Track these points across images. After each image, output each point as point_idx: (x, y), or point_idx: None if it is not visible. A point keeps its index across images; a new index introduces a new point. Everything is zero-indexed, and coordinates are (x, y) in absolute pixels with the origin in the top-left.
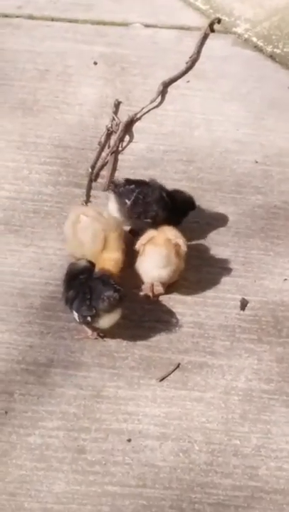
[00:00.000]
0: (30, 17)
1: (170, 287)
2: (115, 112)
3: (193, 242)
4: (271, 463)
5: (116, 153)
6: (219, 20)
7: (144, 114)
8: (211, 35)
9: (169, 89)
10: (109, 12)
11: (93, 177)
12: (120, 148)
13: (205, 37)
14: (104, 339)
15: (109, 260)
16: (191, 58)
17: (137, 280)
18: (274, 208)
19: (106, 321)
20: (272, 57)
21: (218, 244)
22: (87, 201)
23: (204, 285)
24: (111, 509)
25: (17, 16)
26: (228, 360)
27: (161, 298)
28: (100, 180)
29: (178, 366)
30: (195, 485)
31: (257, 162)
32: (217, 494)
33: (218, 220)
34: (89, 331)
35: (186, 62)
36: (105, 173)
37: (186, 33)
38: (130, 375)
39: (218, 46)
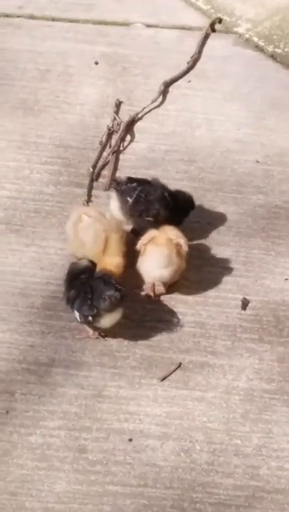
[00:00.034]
0: (31, 17)
1: (171, 287)
2: (116, 112)
3: (195, 242)
4: (272, 462)
5: (117, 152)
6: (220, 20)
7: (146, 113)
8: (212, 35)
9: (170, 89)
10: (110, 12)
11: (94, 177)
12: (121, 148)
13: (206, 37)
14: (106, 339)
15: (111, 265)
16: (192, 58)
17: (138, 280)
18: (275, 207)
19: (107, 320)
20: (273, 57)
21: (219, 243)
22: (89, 201)
23: (205, 285)
24: (112, 509)
25: (18, 16)
26: (230, 360)
27: (162, 297)
28: (101, 180)
29: (179, 366)
30: (196, 484)
31: (258, 162)
32: (218, 494)
33: (220, 220)
34: (90, 331)
35: (188, 62)
36: (106, 172)
37: (188, 32)
38: (131, 375)
39: (220, 46)
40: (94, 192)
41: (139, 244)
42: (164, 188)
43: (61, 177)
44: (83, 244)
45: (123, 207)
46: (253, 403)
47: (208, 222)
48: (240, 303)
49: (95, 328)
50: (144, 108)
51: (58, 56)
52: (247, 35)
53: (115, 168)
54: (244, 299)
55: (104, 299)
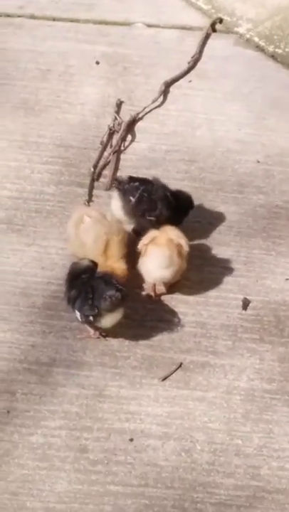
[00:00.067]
0: (32, 17)
1: (172, 287)
2: (117, 112)
3: (195, 242)
4: (273, 462)
5: (118, 152)
6: (221, 20)
7: (146, 113)
8: (213, 35)
9: (171, 89)
10: (111, 12)
11: (95, 176)
12: (122, 148)
13: (207, 37)
14: (107, 338)
15: (116, 269)
16: (193, 58)
17: (139, 280)
18: (276, 207)
19: (108, 320)
20: (273, 57)
21: (220, 243)
22: (90, 200)
23: (206, 285)
24: (113, 508)
25: (19, 16)
26: (230, 360)
27: (163, 297)
28: (102, 179)
29: (180, 366)
30: (197, 484)
31: (259, 162)
32: (219, 494)
33: (220, 220)
34: (91, 331)
35: (188, 62)
36: (107, 172)
37: (188, 32)
38: (132, 375)
39: (220, 46)
40: (95, 192)
41: (141, 245)
42: (165, 187)
43: (62, 177)
44: (84, 245)
45: (125, 206)
46: (254, 403)
47: (209, 222)
48: (241, 303)
49: (96, 328)
50: (144, 108)
51: (59, 56)
52: (248, 35)
53: (116, 168)
54: (245, 299)
55: (105, 298)
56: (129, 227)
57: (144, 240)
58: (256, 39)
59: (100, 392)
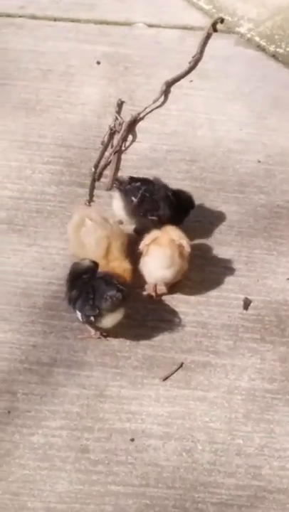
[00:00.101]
0: (33, 17)
1: (173, 287)
2: (118, 112)
3: (196, 242)
4: (274, 462)
5: (119, 152)
6: (222, 20)
7: (147, 113)
8: (214, 34)
9: (172, 88)
10: (112, 12)
11: (96, 176)
12: (123, 148)
13: (208, 37)
14: (108, 339)
15: (119, 269)
16: (194, 58)
17: (140, 280)
18: (277, 207)
19: (109, 320)
20: (275, 56)
21: (221, 243)
22: (91, 201)
23: (207, 285)
24: (114, 508)
25: (20, 16)
26: (232, 360)
27: (164, 297)
28: (103, 179)
29: (181, 365)
30: (198, 484)
31: (260, 162)
32: (220, 494)
33: (221, 220)
34: (92, 331)
35: (189, 62)
36: (108, 172)
37: (189, 32)
38: (133, 375)
39: (221, 46)
40: (96, 192)
41: (142, 245)
42: (166, 187)
43: (63, 177)
44: (84, 247)
45: (127, 206)
46: (255, 403)
47: (210, 222)
48: (242, 303)
49: (97, 328)
50: (145, 108)
51: (60, 56)
52: (249, 35)
53: (117, 168)
54: (246, 298)
55: (106, 299)
56: (130, 227)
57: (146, 240)
58: (257, 39)
59: (101, 392)
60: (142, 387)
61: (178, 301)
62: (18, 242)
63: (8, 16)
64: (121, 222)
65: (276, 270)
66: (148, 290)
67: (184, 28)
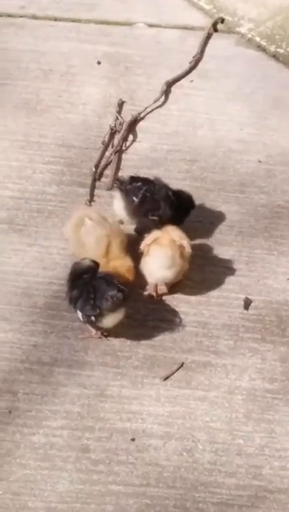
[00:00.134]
0: (34, 17)
1: (174, 287)
2: (119, 112)
3: (197, 242)
4: (275, 462)
5: (120, 152)
6: (223, 20)
7: (148, 113)
8: (215, 34)
9: (173, 88)
10: (112, 12)
11: (97, 176)
12: (124, 148)
13: (208, 37)
14: (108, 338)
15: (122, 268)
16: (194, 58)
17: (140, 280)
18: (277, 207)
19: (110, 320)
20: (275, 56)
21: (221, 243)
22: (91, 200)
23: (208, 284)
24: (115, 508)
25: (20, 16)
26: (232, 360)
27: (165, 297)
28: (103, 179)
29: (182, 365)
30: (199, 484)
31: (260, 162)
32: (221, 493)
33: (222, 220)
34: (93, 331)
35: (190, 62)
36: (109, 172)
37: (190, 32)
38: (134, 374)
39: (222, 46)
40: (96, 191)
41: (143, 245)
42: (166, 187)
43: (64, 177)
44: (84, 246)
45: (128, 207)
46: (256, 403)
47: (211, 222)
48: (242, 303)
49: (98, 328)
50: (146, 108)
51: (61, 56)
52: (249, 35)
53: (118, 168)
54: (246, 298)
55: (107, 299)
56: (131, 227)
57: (147, 240)
58: (258, 39)
59: (102, 392)
60: (143, 386)
61: (179, 301)
62: (18, 242)
63: (9, 15)
64: (121, 222)
65: (277, 270)
66: (149, 290)
67: (185, 28)
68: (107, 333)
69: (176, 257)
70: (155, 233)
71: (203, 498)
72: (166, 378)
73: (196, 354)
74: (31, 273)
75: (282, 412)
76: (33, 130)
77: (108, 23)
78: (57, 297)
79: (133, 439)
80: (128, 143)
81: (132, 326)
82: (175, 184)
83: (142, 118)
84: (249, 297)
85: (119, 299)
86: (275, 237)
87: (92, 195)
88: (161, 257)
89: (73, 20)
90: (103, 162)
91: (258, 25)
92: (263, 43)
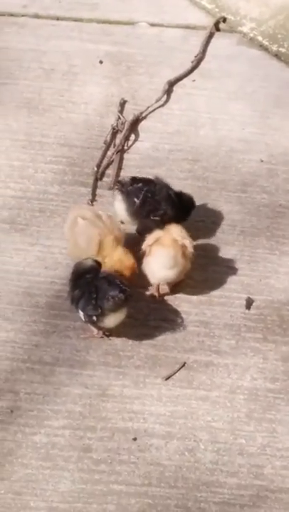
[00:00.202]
0: (36, 16)
1: (176, 286)
2: (121, 111)
3: (199, 241)
4: (277, 462)
5: (121, 152)
6: (225, 20)
7: (150, 113)
8: (217, 34)
9: (175, 88)
10: (114, 11)
11: (99, 176)
12: (126, 147)
13: (210, 36)
14: (110, 338)
15: (123, 266)
16: (196, 57)
17: (142, 279)
18: (279, 206)
19: (111, 320)
20: (277, 56)
21: (223, 243)
22: (93, 200)
23: (210, 284)
24: (116, 508)
25: (22, 15)
26: (234, 359)
27: (166, 297)
28: (105, 179)
29: (183, 365)
30: (200, 484)
31: (262, 161)
32: (222, 493)
33: (224, 219)
34: (94, 330)
35: (192, 61)
36: (111, 171)
37: (192, 32)
38: (136, 374)
39: (224, 45)
40: (98, 191)
41: (145, 245)
42: (167, 187)
43: (66, 176)
44: (77, 246)
45: (129, 208)
46: (258, 402)
47: (213, 222)
48: (244, 302)
49: (100, 328)
50: (148, 107)
51: (63, 55)
52: (251, 35)
53: (120, 168)
54: (248, 298)
55: (108, 299)
56: (132, 227)
57: (149, 240)
58: (260, 38)
59: (104, 392)
60: (145, 386)
61: (180, 301)
62: (20, 242)
63: (11, 15)
64: (122, 223)
65: (279, 270)
66: (151, 290)
67: (187, 27)
68: (109, 332)
69: (178, 256)
70: (157, 233)
71: (204, 497)
72: (168, 378)
73: (197, 354)
74: (33, 272)
75: (284, 411)
76: (35, 129)
77: (110, 22)
78: (59, 297)
79: (135, 439)
80: (130, 142)
81: (133, 325)
82: (177, 184)
83: (144, 117)
84: (251, 297)
85: (120, 299)
86: (277, 237)
87: (94, 194)
88: (163, 257)
89: (75, 20)
90: (105, 161)
91: (260, 24)
92: (265, 42)
